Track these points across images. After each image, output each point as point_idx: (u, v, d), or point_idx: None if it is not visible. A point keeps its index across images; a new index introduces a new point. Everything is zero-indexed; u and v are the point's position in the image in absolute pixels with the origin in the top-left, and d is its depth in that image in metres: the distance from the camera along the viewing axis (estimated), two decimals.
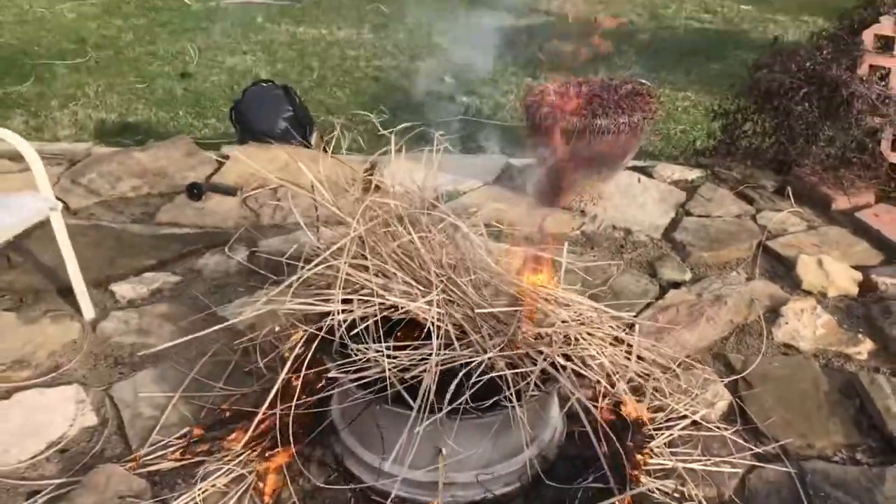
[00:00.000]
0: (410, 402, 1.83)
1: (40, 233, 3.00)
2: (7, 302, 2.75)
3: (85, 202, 3.38)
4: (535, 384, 1.88)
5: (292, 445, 2.04)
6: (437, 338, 1.96)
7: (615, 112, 3.02)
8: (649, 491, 2.00)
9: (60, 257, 2.63)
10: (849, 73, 3.30)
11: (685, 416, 2.24)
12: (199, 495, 1.96)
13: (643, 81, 5.30)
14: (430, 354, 1.95)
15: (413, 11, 7.39)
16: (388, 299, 2.06)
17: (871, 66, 3.36)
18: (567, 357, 2.00)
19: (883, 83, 3.34)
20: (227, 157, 3.77)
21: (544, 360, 1.94)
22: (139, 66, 6.02)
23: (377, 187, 3.42)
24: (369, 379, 1.90)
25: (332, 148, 4.13)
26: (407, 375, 1.90)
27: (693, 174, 3.67)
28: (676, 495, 2.00)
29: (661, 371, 2.38)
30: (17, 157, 3.78)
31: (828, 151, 3.42)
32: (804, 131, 3.39)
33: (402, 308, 2.05)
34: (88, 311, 2.67)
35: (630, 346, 2.44)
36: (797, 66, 3.43)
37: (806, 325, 2.61)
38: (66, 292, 2.75)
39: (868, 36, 3.36)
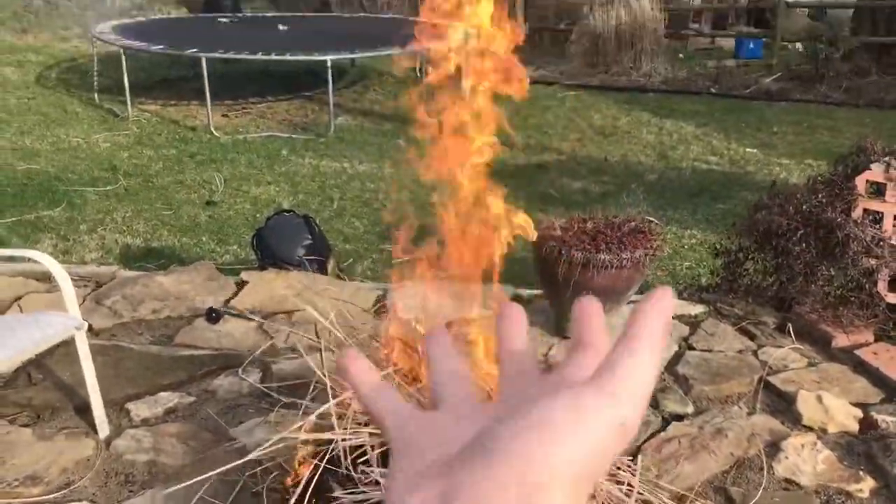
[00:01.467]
0: None
1: (62, 351, 3.14)
2: (24, 418, 2.84)
3: (107, 323, 3.51)
4: None
5: None
6: None
7: (618, 248, 3.16)
8: None
9: (79, 376, 2.73)
10: (843, 216, 3.45)
11: None
12: None
13: (651, 219, 5.50)
14: None
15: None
16: None
17: (864, 210, 3.52)
18: None
19: (877, 226, 3.48)
20: (245, 282, 3.91)
21: None
22: (167, 194, 6.30)
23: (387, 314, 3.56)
24: (373, 501, 1.96)
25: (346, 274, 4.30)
26: None
27: (696, 309, 3.77)
28: None
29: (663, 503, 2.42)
30: (44, 278, 3.97)
31: (826, 290, 3.52)
32: (803, 270, 3.51)
33: None
34: (103, 429, 2.74)
35: (631, 485, 2.49)
36: (794, 208, 3.59)
37: (806, 461, 2.64)
38: (83, 410, 2.84)
39: (861, 181, 3.53)
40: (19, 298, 3.73)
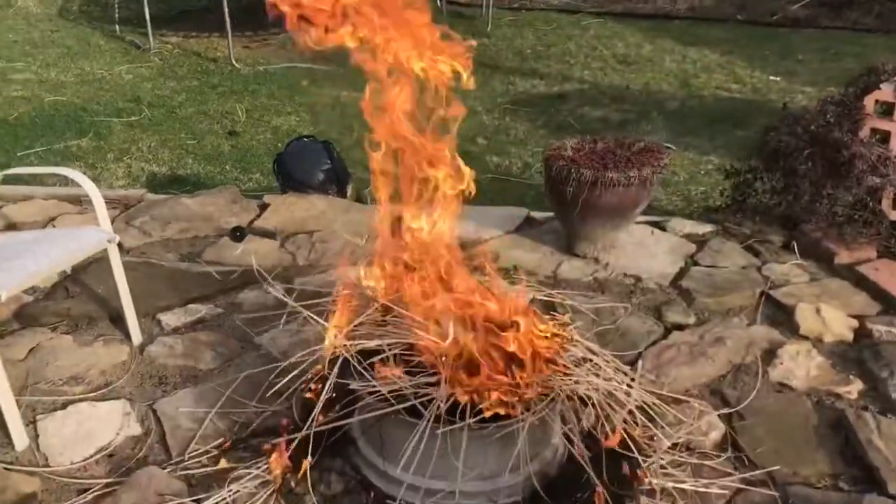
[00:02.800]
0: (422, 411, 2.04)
1: (94, 267, 3.32)
2: (64, 327, 3.03)
3: (137, 242, 3.69)
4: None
5: (312, 457, 2.26)
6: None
7: (625, 166, 3.26)
8: None
9: (112, 289, 2.90)
10: (851, 135, 3.50)
11: (679, 444, 2.41)
12: (229, 497, 2.18)
13: (669, 146, 5.54)
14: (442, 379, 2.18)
15: None
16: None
17: (872, 130, 3.56)
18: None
19: (884, 146, 3.53)
20: (267, 205, 4.06)
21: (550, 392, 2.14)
22: (190, 125, 6.42)
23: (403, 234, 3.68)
24: (386, 394, 2.12)
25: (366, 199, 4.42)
26: (420, 392, 2.11)
27: (704, 229, 3.87)
28: None
29: (659, 402, 2.57)
30: (75, 200, 4.14)
31: (832, 209, 3.60)
32: (809, 189, 3.59)
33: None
34: (137, 337, 2.93)
35: (633, 379, 2.64)
36: (803, 128, 3.64)
37: (800, 366, 2.77)
38: (117, 320, 3.02)
39: (869, 101, 3.57)
40: (53, 219, 3.90)
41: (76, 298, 3.19)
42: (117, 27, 9.03)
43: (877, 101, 3.57)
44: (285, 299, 3.16)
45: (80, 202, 4.09)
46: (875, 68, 3.72)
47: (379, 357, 2.23)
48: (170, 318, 3.06)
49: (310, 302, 2.90)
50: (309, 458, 2.27)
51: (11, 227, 3.78)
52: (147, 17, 8.34)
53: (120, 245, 3.59)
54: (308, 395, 2.44)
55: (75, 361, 2.79)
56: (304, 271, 3.41)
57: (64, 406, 2.58)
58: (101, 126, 6.31)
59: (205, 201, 4.06)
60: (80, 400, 2.61)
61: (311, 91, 7.55)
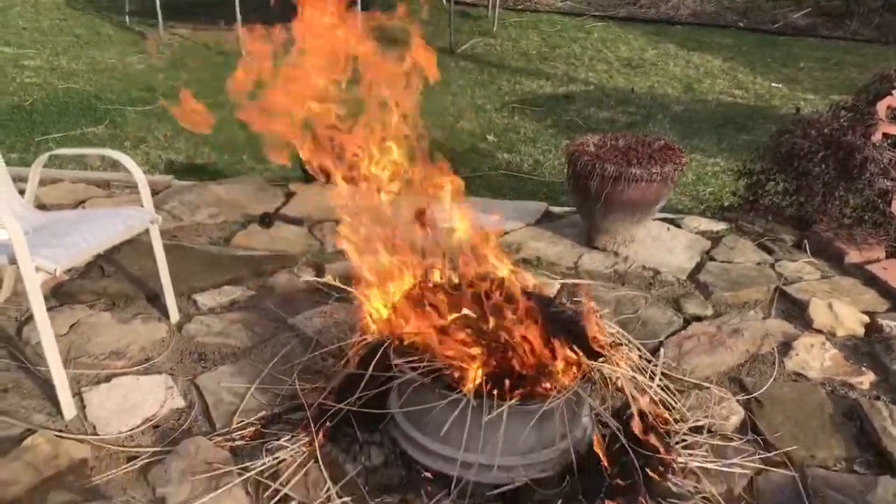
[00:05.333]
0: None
1: (127, 248, 3.40)
2: (102, 304, 3.11)
3: (168, 225, 3.77)
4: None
5: (351, 430, 2.36)
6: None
7: (648, 163, 3.37)
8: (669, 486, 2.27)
9: (146, 269, 2.99)
10: (863, 139, 3.63)
11: (702, 427, 2.52)
12: (272, 462, 2.27)
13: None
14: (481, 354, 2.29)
15: (455, 79, 7.83)
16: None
17: (883, 134, 3.69)
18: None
19: (894, 150, 3.66)
20: (293, 193, 4.15)
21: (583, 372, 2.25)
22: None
23: (429, 225, 3.79)
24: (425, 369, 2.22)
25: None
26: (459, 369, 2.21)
27: (718, 226, 3.99)
28: (693, 491, 2.27)
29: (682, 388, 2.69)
30: (104, 184, 4.22)
31: (843, 210, 3.73)
32: (821, 191, 3.71)
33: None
34: (174, 315, 3.02)
35: (655, 365, 2.75)
36: (816, 131, 3.77)
37: (815, 358, 2.89)
38: (153, 298, 3.11)
39: (882, 107, 3.70)
40: (82, 202, 3.99)
41: (112, 278, 3.27)
42: (126, 17, 9.08)
43: (889, 107, 3.70)
44: (317, 283, 3.27)
45: (109, 186, 4.18)
46: (887, 75, 3.85)
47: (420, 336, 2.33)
48: (205, 299, 3.15)
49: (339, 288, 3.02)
50: (351, 430, 2.37)
51: (41, 209, 3.84)
52: (158, 6, 8.39)
53: None
54: (348, 370, 2.54)
55: (116, 337, 2.88)
56: (333, 258, 3.50)
57: (108, 379, 2.67)
58: (116, 114, 6.38)
59: (232, 188, 4.16)
60: (123, 374, 2.70)
61: None
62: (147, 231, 2.86)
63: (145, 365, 2.76)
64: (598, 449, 2.31)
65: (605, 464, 2.29)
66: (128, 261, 3.37)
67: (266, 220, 3.76)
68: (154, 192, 4.13)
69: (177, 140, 5.84)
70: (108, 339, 2.87)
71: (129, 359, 2.79)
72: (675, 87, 8.06)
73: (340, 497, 2.20)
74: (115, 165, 5.22)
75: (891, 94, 3.68)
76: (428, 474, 2.28)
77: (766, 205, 4.01)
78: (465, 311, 2.41)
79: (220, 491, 2.18)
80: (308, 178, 4.38)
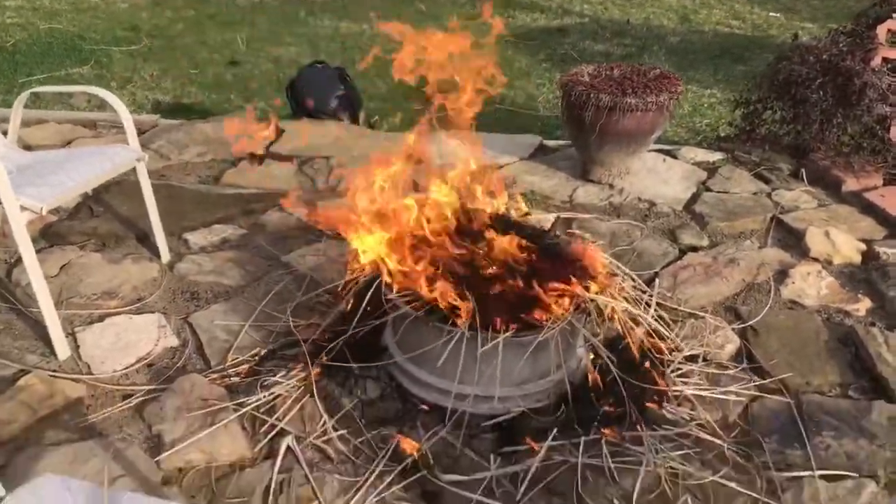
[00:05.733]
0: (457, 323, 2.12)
1: (115, 189, 3.36)
2: (92, 245, 3.08)
3: (156, 165, 3.72)
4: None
5: (348, 364, 2.36)
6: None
7: (643, 92, 3.31)
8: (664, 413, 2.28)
9: (135, 209, 2.95)
10: (862, 64, 3.56)
11: (697, 356, 2.52)
12: (267, 398, 2.27)
13: None
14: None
15: (447, 11, 7.68)
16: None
17: (883, 59, 3.62)
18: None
19: (894, 75, 3.59)
20: (282, 131, 4.08)
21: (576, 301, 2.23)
22: (190, 54, 6.37)
23: (419, 160, 3.73)
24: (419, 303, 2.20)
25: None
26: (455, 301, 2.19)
27: (715, 157, 3.94)
28: (687, 418, 2.28)
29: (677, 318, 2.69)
30: (90, 124, 4.15)
31: (841, 138, 3.68)
32: (819, 118, 3.66)
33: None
34: (165, 255, 2.99)
35: (650, 296, 2.74)
36: (815, 58, 3.69)
37: (811, 286, 2.88)
38: (143, 238, 3.08)
39: (881, 31, 3.62)
40: (69, 143, 3.92)
41: (101, 218, 3.23)
42: None
43: (889, 31, 3.62)
44: (308, 222, 3.24)
45: (95, 126, 4.11)
46: None
47: (414, 269, 2.31)
48: (196, 238, 3.12)
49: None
50: (347, 365, 2.37)
51: (27, 150, 3.78)
52: None
53: None
54: (343, 305, 2.53)
55: (107, 278, 2.85)
56: (325, 195, 3.46)
57: (101, 319, 2.65)
58: (101, 54, 6.25)
59: (220, 126, 4.08)
60: (116, 313, 2.68)
61: (309, 22, 7.49)
62: (134, 170, 2.81)
63: (138, 304, 2.74)
64: (592, 378, 2.32)
65: (600, 393, 2.30)
66: (116, 201, 3.33)
67: (256, 158, 3.71)
68: (140, 132, 4.06)
69: (163, 80, 5.74)
70: (99, 279, 2.85)
71: (122, 298, 2.77)
72: (670, 18, 7.92)
73: (337, 430, 2.20)
74: (102, 106, 5.13)
75: (891, 18, 3.60)
76: (424, 406, 2.29)
77: (763, 134, 3.96)
78: (459, 245, 2.38)
79: (216, 427, 2.18)
80: (297, 115, 4.31)
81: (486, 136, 4.26)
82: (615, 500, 2.00)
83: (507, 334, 2.10)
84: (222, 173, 3.69)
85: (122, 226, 3.18)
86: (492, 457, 2.14)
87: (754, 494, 2.05)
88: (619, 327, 2.43)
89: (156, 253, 2.99)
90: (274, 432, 2.19)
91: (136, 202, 2.97)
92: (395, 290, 2.25)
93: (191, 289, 2.84)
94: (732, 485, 2.06)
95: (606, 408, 2.27)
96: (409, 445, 2.14)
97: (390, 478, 2.06)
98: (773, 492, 2.06)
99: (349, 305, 2.48)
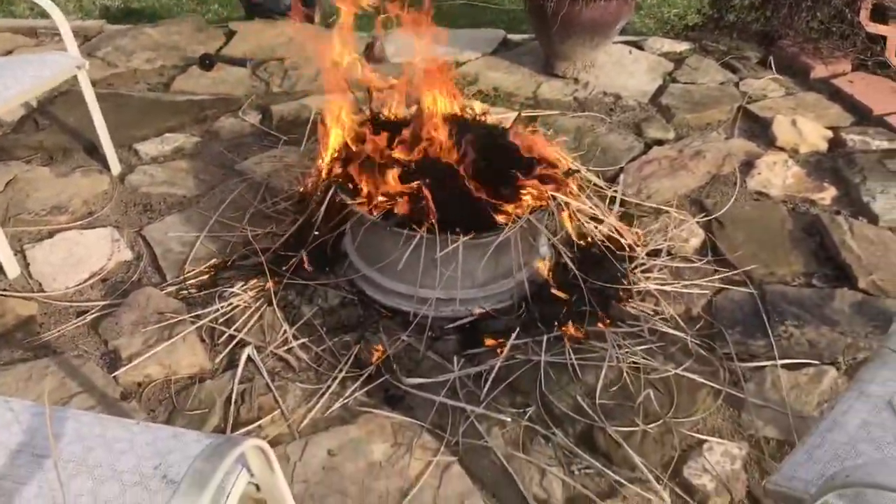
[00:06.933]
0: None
1: (61, 99, 3.22)
2: (39, 159, 2.96)
3: (103, 73, 3.55)
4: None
5: (307, 272, 2.31)
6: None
7: None
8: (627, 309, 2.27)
9: (83, 120, 2.83)
10: None
11: (660, 250, 2.49)
12: (226, 309, 2.23)
13: None
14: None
15: None
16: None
17: None
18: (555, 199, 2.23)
19: None
20: (234, 32, 3.91)
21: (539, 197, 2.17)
22: None
23: (379, 59, 3.60)
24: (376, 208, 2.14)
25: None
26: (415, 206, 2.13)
27: (682, 47, 3.84)
28: (651, 313, 2.27)
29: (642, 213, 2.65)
30: (31, 33, 3.95)
31: (810, 24, 3.58)
32: (788, 2, 3.55)
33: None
34: (115, 166, 2.88)
35: (615, 192, 2.69)
36: None
37: (777, 176, 2.84)
38: (92, 150, 2.97)
39: None
40: (10, 52, 3.74)
41: (47, 131, 3.10)
42: None
43: None
44: (263, 127, 3.13)
45: (37, 34, 3.91)
46: None
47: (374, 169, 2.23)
48: (147, 148, 3.01)
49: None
50: (306, 274, 2.32)
51: None
52: None
53: None
54: (300, 216, 2.47)
55: (56, 192, 2.75)
56: (279, 98, 3.33)
57: (50, 235, 2.57)
58: None
59: (169, 30, 3.90)
60: (66, 229, 2.59)
61: None
62: (77, 79, 2.68)
63: (89, 219, 2.66)
64: (554, 277, 2.29)
65: (564, 292, 2.28)
66: (62, 113, 3.19)
67: (207, 63, 3.55)
68: (86, 39, 3.90)
69: None
70: (47, 194, 2.75)
71: (72, 213, 2.68)
72: None
73: (297, 339, 2.17)
74: (44, 14, 4.89)
75: None
76: (385, 312, 2.26)
77: (732, 21, 3.85)
78: (414, 148, 2.31)
79: (174, 340, 2.14)
80: (249, 15, 4.13)
81: (449, 32, 4.11)
82: (578, 396, 2.00)
83: (467, 237, 2.05)
84: (172, 80, 3.53)
85: (70, 138, 3.05)
86: (455, 359, 2.12)
87: (717, 385, 2.06)
88: (581, 225, 2.39)
89: (106, 165, 2.88)
90: (233, 343, 2.16)
91: (83, 113, 2.84)
92: (352, 196, 2.18)
93: (143, 201, 2.75)
94: (695, 377, 2.07)
95: (571, 307, 2.26)
96: (371, 351, 2.12)
97: (354, 385, 2.04)
98: (736, 382, 2.07)
99: (307, 213, 2.42)
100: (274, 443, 1.87)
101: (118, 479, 1.22)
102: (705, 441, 1.92)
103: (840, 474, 1.10)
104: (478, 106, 2.68)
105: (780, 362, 2.11)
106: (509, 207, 2.12)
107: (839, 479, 1.10)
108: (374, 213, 2.12)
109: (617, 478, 1.82)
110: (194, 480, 0.99)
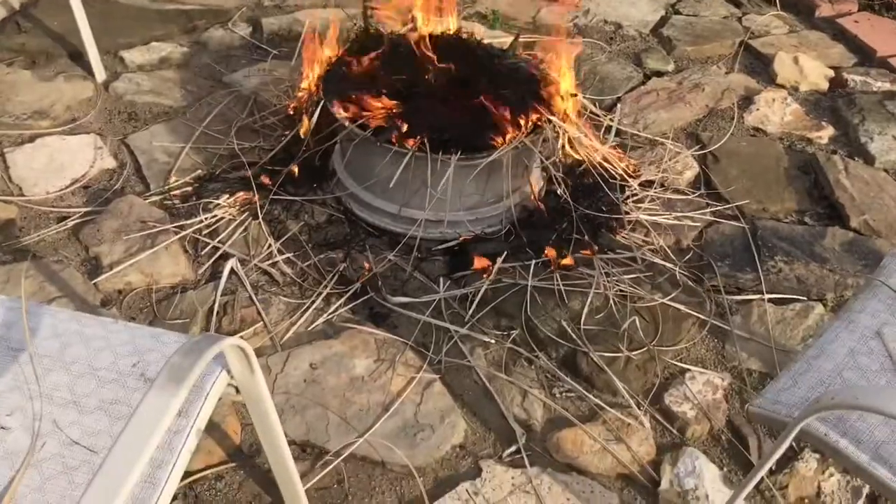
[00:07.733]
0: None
1: (45, 2, 3.11)
2: (21, 63, 2.87)
3: None
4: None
5: (294, 187, 2.27)
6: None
7: None
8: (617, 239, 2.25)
9: (68, 25, 2.72)
10: None
11: (654, 181, 2.46)
12: (210, 220, 2.19)
13: None
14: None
15: None
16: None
17: None
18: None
19: None
20: None
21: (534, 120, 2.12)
22: None
23: None
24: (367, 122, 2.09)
25: None
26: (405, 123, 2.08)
27: None
28: (641, 243, 2.24)
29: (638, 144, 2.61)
30: None
31: None
32: None
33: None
34: (100, 73, 2.79)
35: (611, 120, 2.65)
36: None
37: (775, 112, 2.80)
38: (77, 56, 2.87)
39: None
40: None
41: (29, 34, 3.00)
42: None
43: None
44: (252, 40, 3.04)
45: None
46: None
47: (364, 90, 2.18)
48: (133, 56, 2.92)
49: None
50: (293, 189, 2.28)
51: None
52: None
53: None
54: (287, 130, 2.41)
55: (38, 96, 2.67)
56: (270, 11, 3.23)
57: (32, 140, 2.50)
58: None
59: None
60: (48, 134, 2.52)
61: None
62: None
63: (72, 125, 2.58)
64: (545, 203, 2.26)
65: (555, 219, 2.25)
66: (46, 16, 3.08)
67: None
68: None
69: None
70: (29, 98, 2.67)
71: (54, 119, 2.60)
72: None
73: (283, 253, 2.14)
74: None
75: None
76: (373, 231, 2.22)
77: None
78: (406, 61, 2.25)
79: (156, 249, 2.11)
80: None
81: None
82: (563, 321, 1.99)
83: (458, 156, 2.01)
84: None
85: (54, 42, 2.95)
86: (441, 280, 2.10)
87: (703, 316, 2.05)
88: (576, 152, 2.35)
89: (90, 71, 2.79)
90: (217, 255, 2.13)
91: (67, 17, 2.73)
92: (342, 112, 2.12)
93: (128, 109, 2.67)
94: (681, 307, 2.06)
95: (561, 234, 2.23)
96: (357, 269, 2.09)
97: (339, 301, 2.02)
98: (722, 314, 2.07)
99: (297, 128, 2.36)
100: (256, 355, 1.85)
101: (94, 375, 1.20)
102: (688, 370, 1.92)
103: (825, 397, 1.09)
104: (476, 29, 2.60)
105: (767, 296, 2.10)
106: (504, 128, 2.07)
107: (824, 401, 1.09)
108: (365, 130, 2.07)
109: (598, 402, 1.83)
110: (171, 375, 0.96)
